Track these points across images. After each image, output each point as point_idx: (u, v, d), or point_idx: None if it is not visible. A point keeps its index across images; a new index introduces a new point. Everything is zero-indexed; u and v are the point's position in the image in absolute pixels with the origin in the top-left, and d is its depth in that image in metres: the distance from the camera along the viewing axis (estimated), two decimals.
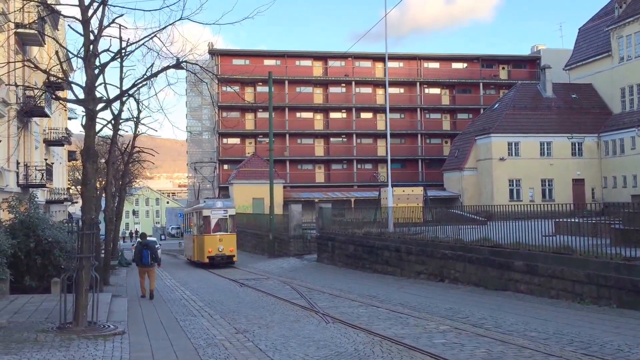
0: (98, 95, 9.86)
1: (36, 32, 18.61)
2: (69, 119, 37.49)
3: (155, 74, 10.97)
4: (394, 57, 47.97)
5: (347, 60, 47.85)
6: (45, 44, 22.72)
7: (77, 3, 9.28)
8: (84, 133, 9.58)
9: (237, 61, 47.73)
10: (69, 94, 26.23)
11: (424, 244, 16.64)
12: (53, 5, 14.51)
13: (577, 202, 31.86)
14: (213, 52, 46.34)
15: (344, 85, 48.64)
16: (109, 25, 9.69)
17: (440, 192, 41.31)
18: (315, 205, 34.33)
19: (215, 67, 44.31)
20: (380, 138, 47.20)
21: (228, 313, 11.15)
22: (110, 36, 13.03)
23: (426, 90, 49.82)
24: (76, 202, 40.15)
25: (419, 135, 48.97)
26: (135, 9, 10.73)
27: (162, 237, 63.62)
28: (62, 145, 30.98)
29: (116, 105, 17.11)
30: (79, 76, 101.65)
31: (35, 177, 22.40)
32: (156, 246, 33.11)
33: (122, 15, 10.13)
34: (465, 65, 51.10)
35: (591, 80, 41.56)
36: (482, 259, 13.87)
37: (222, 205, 25.63)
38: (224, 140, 47.58)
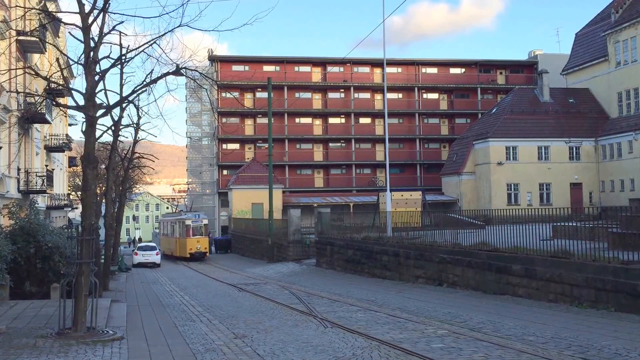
0: (98, 101, 9.92)
1: (37, 39, 18.71)
2: (70, 125, 37.60)
3: (155, 80, 11.05)
4: (393, 63, 48.17)
5: (346, 66, 48.05)
6: (46, 51, 22.85)
7: (78, 10, 9.37)
8: (84, 139, 9.64)
9: (236, 67, 47.92)
10: (69, 101, 26.33)
11: (423, 249, 16.67)
12: (54, 13, 14.63)
13: (574, 206, 31.94)
14: (213, 59, 46.51)
15: (342, 90, 48.81)
16: (109, 32, 9.77)
17: (439, 197, 41.39)
18: (314, 210, 34.38)
19: (215, 73, 44.48)
20: (379, 143, 47.29)
21: (227, 318, 11.16)
22: (111, 43, 13.15)
23: (424, 95, 50.00)
24: (76, 208, 40.18)
25: (417, 140, 49.10)
26: (135, 16, 10.83)
27: None
28: (63, 151, 31.06)
29: (116, 111, 17.21)
30: (79, 83, 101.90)
31: (36, 183, 22.45)
32: (156, 251, 33.67)
33: (122, 22, 10.16)
34: (463, 70, 51.33)
35: (588, 84, 41.76)
36: (480, 263, 13.91)
37: (199, 217, 35.62)
38: (224, 146, 47.66)
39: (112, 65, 10.30)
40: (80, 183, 28.98)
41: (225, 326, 10.10)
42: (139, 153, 25.05)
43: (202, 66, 40.03)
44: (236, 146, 47.47)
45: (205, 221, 35.92)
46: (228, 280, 20.69)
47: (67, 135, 32.40)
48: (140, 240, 55.50)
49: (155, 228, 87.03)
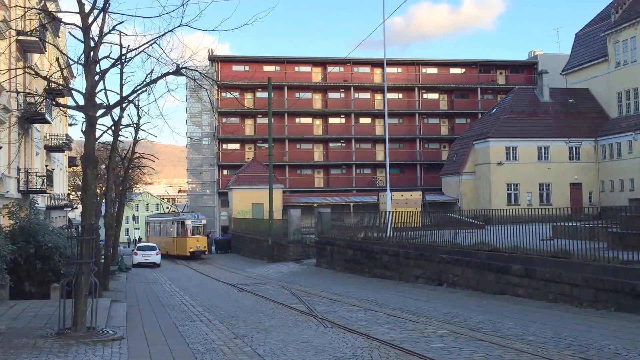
0: (98, 101, 9.92)
1: (37, 39, 18.73)
2: (70, 125, 37.60)
3: (155, 80, 11.06)
4: (393, 63, 48.16)
5: (346, 66, 48.06)
6: (46, 51, 22.85)
7: (78, 10, 9.38)
8: (84, 139, 9.64)
9: (236, 67, 47.93)
10: (69, 101, 26.34)
11: (422, 248, 16.69)
12: (54, 13, 14.64)
13: (574, 206, 31.95)
14: (213, 59, 46.51)
15: (342, 90, 48.82)
16: (109, 32, 9.77)
17: (439, 197, 41.41)
18: (314, 210, 34.38)
19: (215, 73, 44.49)
20: (379, 143, 47.29)
21: (227, 318, 11.17)
22: (111, 43, 13.15)
23: (424, 96, 50.01)
24: (76, 208, 40.20)
25: (417, 140, 49.12)
26: (135, 16, 10.83)
27: None
28: (63, 151, 31.04)
29: (116, 111, 17.22)
30: (79, 83, 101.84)
31: (36, 183, 22.46)
32: (156, 251, 33.80)
33: (122, 22, 10.16)
34: (463, 70, 51.34)
35: (588, 84, 41.78)
36: (480, 263, 13.92)
37: (198, 217, 37.03)
38: (224, 146, 47.67)
39: (112, 65, 10.29)
40: (80, 183, 29.00)
41: (225, 326, 10.10)
42: (139, 153, 25.06)
43: (202, 66, 40.00)
44: (236, 146, 47.48)
45: (204, 221, 37.15)
46: (228, 280, 20.70)
47: (67, 135, 32.38)
48: (141, 240, 55.54)
49: None
